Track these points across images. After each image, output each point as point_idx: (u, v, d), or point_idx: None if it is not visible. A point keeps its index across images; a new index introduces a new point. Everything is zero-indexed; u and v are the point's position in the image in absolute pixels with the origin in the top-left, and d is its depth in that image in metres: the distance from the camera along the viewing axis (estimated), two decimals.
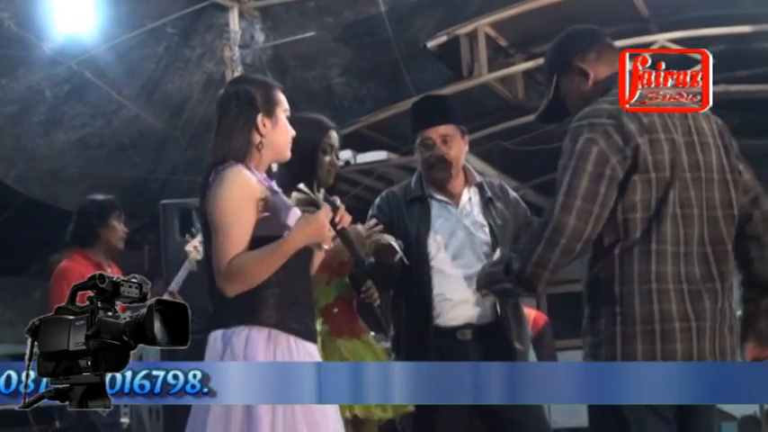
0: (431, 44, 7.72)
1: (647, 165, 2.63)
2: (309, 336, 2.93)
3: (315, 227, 2.81)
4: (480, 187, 3.97)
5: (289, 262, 2.86)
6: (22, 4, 6.43)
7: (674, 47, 6.93)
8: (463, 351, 3.77)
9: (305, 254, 2.96)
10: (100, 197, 5.05)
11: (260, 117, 2.93)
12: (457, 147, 3.92)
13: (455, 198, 3.93)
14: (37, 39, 6.64)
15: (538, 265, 2.63)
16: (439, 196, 3.91)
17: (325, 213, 2.81)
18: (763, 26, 7.00)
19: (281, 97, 3.02)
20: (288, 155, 3.02)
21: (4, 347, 9.73)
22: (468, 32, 7.55)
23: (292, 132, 3.03)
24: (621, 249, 2.65)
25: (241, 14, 7.56)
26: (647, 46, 6.93)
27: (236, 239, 2.79)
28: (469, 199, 3.94)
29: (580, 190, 2.60)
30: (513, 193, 4.08)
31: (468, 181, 3.97)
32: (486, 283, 2.79)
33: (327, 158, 3.56)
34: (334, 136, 3.62)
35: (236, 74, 7.17)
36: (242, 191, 2.83)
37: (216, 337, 2.86)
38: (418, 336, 3.80)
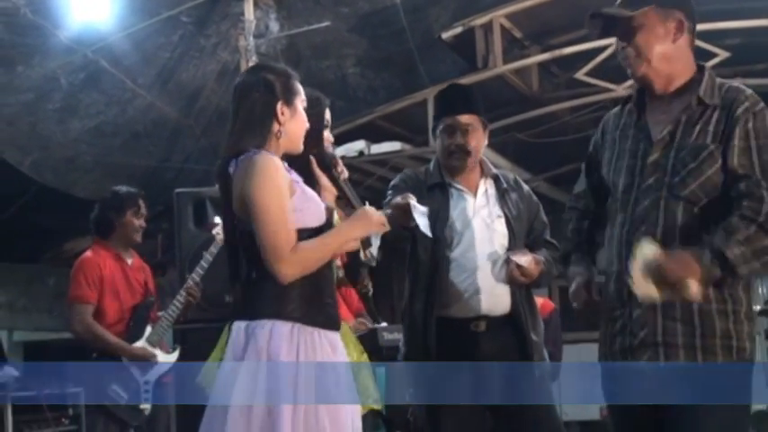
0: (446, 35, 7.70)
1: None
2: (333, 325, 2.94)
3: (374, 220, 2.92)
4: (496, 179, 3.99)
5: None
6: None
7: None
8: (476, 342, 3.77)
9: None
10: (123, 190, 5.16)
11: (279, 105, 2.93)
12: (477, 137, 3.94)
13: (472, 189, 3.94)
14: (53, 27, 6.65)
15: None
16: (458, 185, 3.93)
17: (373, 210, 2.93)
18: None
19: (300, 87, 3.02)
20: (301, 148, 3.01)
21: (20, 334, 9.78)
22: (484, 24, 7.53)
23: (307, 124, 3.02)
24: None
25: (256, 4, 7.55)
26: None
27: (288, 224, 2.79)
28: (486, 190, 3.96)
29: None
30: (525, 186, 4.10)
31: (484, 173, 3.99)
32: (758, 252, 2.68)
33: (326, 134, 3.58)
34: (328, 112, 3.64)
35: (251, 63, 7.17)
36: (280, 177, 2.83)
37: (239, 328, 2.85)
38: (427, 325, 3.77)
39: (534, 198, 4.07)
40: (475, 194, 3.93)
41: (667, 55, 2.82)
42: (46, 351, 8.00)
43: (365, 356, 4.03)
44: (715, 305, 2.70)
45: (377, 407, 4.09)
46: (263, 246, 2.77)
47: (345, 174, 3.02)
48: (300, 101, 2.99)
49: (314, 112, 3.20)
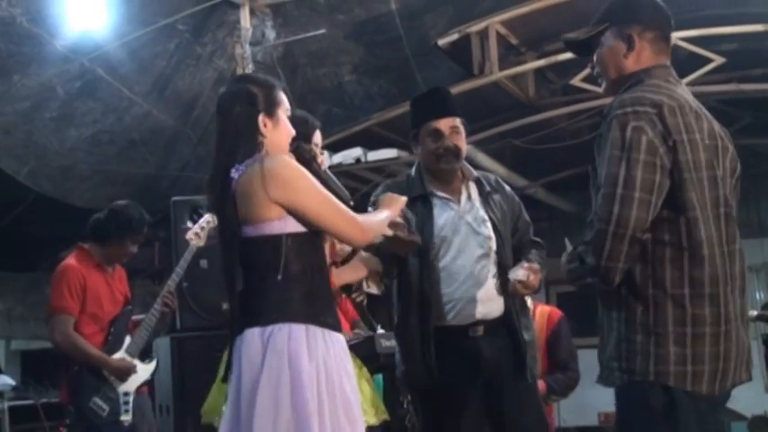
0: (442, 42, 7.70)
1: (681, 164, 2.65)
2: (337, 327, 2.99)
3: (401, 200, 3.24)
4: (478, 182, 4.00)
5: (313, 258, 2.89)
6: (35, 0, 6.44)
7: (687, 45, 6.91)
8: (477, 346, 3.82)
9: (323, 251, 2.99)
10: (136, 216, 5.11)
11: (261, 117, 2.94)
12: (463, 139, 3.97)
13: (455, 194, 3.95)
14: (49, 35, 6.65)
15: (611, 259, 2.62)
16: (440, 193, 3.93)
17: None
18: None
19: (283, 97, 3.02)
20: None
21: (17, 343, 9.75)
22: (480, 30, 7.53)
23: (292, 132, 3.03)
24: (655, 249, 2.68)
25: (252, 12, 7.56)
26: None
27: (338, 202, 2.93)
28: (469, 195, 3.97)
29: (637, 181, 2.60)
30: (507, 186, 4.11)
31: (465, 176, 4.00)
32: (572, 279, 2.76)
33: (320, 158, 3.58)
34: (319, 135, 3.63)
35: (248, 71, 7.17)
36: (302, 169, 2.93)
37: (253, 334, 2.85)
38: (424, 339, 3.79)
39: (516, 198, 4.08)
40: (459, 201, 3.93)
41: (621, 70, 2.87)
42: (44, 360, 7.98)
43: (364, 369, 4.04)
44: (615, 326, 2.74)
45: (387, 417, 4.11)
46: (337, 228, 2.89)
47: (325, 164, 3.07)
48: (283, 110, 3.00)
49: (299, 131, 3.22)
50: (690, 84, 7.00)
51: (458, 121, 3.96)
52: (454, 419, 3.81)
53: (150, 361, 5.09)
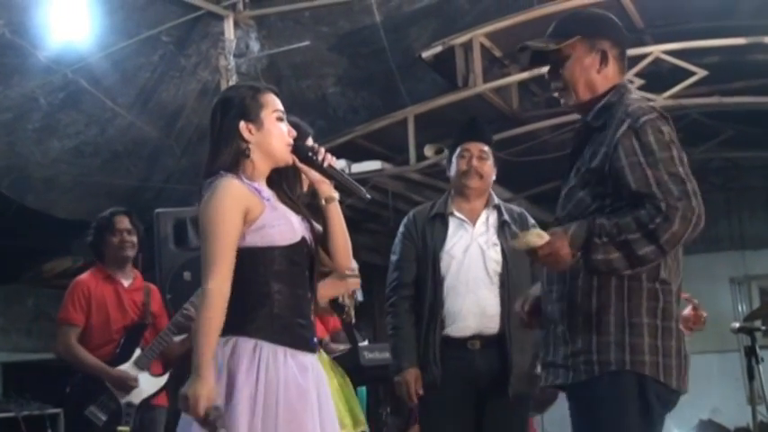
0: (426, 54, 7.72)
1: None
2: (303, 346, 2.91)
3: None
4: (498, 209, 4.33)
5: (286, 274, 2.87)
6: (17, 11, 6.41)
7: (669, 58, 6.94)
8: (472, 359, 4.11)
9: (302, 266, 2.96)
10: (105, 214, 5.23)
11: (242, 124, 2.92)
12: (489, 165, 4.37)
13: (474, 217, 4.28)
14: (32, 46, 6.63)
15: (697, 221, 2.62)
16: (459, 214, 4.29)
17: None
18: (757, 38, 7.01)
19: (268, 99, 2.98)
20: (286, 157, 2.98)
21: None
22: (464, 43, 7.55)
23: (284, 133, 2.99)
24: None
25: (236, 23, 7.56)
26: (641, 58, 6.94)
27: (221, 250, 2.79)
28: (487, 219, 4.30)
29: (686, 167, 2.68)
30: (531, 220, 4.41)
31: (488, 203, 4.35)
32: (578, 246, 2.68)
33: None
34: (311, 142, 3.63)
35: (231, 83, 7.17)
36: (233, 200, 2.82)
37: None
38: (426, 345, 4.12)
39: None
40: (475, 223, 4.26)
41: (593, 85, 2.89)
42: (25, 372, 7.94)
43: (347, 379, 4.06)
44: (581, 321, 2.75)
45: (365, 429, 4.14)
46: (202, 261, 2.81)
47: (332, 161, 3.00)
48: (269, 112, 2.96)
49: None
50: (672, 96, 7.04)
51: (487, 149, 4.35)
52: (445, 425, 4.09)
53: (162, 375, 5.08)
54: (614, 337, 2.70)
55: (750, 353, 5.31)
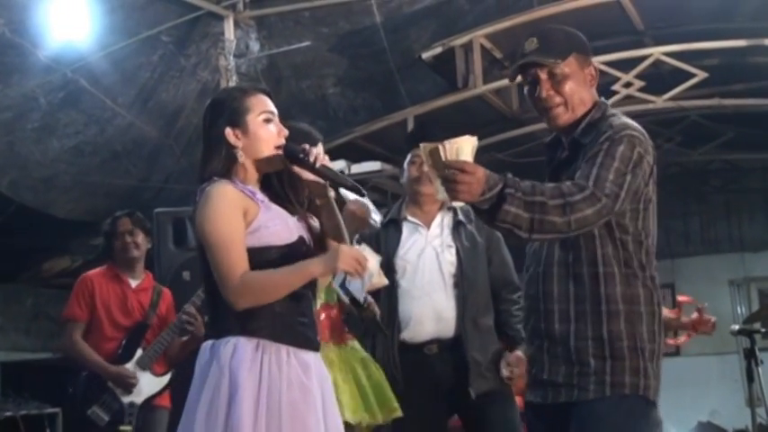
0: (426, 55, 7.72)
1: (650, 191, 2.83)
2: (305, 344, 2.90)
3: (345, 260, 2.80)
4: (453, 210, 4.24)
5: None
6: (18, 10, 6.41)
7: (669, 60, 6.95)
8: (430, 364, 4.10)
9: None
10: (118, 214, 5.31)
11: (228, 130, 2.91)
12: None
13: (428, 220, 4.24)
14: (32, 46, 6.62)
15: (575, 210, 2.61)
16: (412, 219, 4.25)
17: (348, 248, 2.85)
18: (757, 40, 7.01)
19: (254, 101, 2.94)
20: (276, 159, 2.93)
21: None
22: (464, 44, 7.56)
23: (273, 134, 2.95)
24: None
25: (236, 23, 7.55)
26: (642, 59, 6.95)
27: (237, 254, 2.78)
28: (441, 221, 4.25)
29: (632, 188, 2.72)
30: None
31: (443, 206, 4.25)
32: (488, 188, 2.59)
33: None
34: (321, 147, 3.61)
35: (231, 83, 7.16)
36: (230, 205, 2.81)
37: (206, 346, 2.85)
38: (386, 350, 4.12)
39: (496, 233, 4.21)
40: (429, 226, 4.23)
41: (586, 101, 2.92)
42: (23, 371, 7.93)
43: (377, 367, 4.09)
44: (591, 344, 2.75)
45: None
46: (215, 276, 2.79)
47: (325, 160, 2.94)
48: (255, 115, 2.92)
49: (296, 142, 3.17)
50: (672, 98, 7.05)
51: None
52: (418, 421, 4.06)
53: (164, 375, 5.09)
54: (629, 363, 2.74)
55: (749, 355, 5.30)
